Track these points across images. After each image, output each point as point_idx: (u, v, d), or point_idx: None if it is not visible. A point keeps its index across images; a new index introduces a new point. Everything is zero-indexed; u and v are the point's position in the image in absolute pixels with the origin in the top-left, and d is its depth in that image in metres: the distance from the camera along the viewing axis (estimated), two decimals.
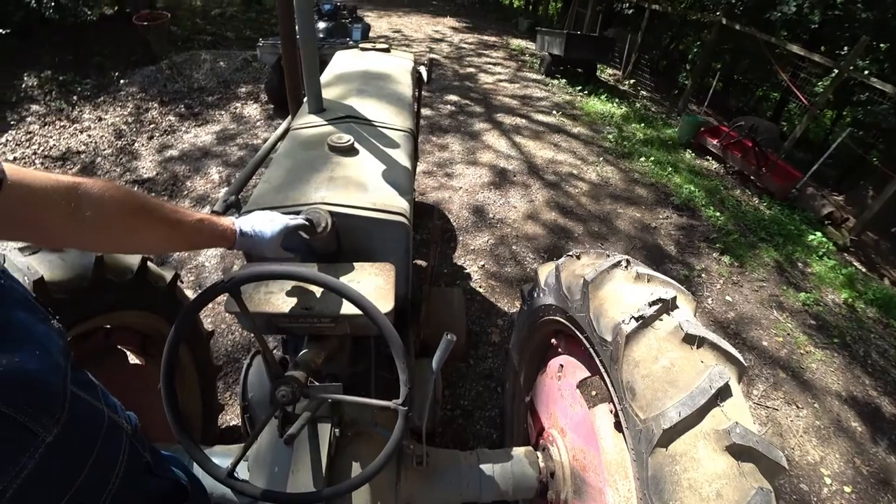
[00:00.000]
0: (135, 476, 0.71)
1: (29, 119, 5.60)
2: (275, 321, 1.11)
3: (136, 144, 5.26)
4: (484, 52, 10.42)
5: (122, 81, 6.51)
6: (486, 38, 11.91)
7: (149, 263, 1.59)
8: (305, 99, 1.81)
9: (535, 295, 1.62)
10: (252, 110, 6.10)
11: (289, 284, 1.13)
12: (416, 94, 2.54)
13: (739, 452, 0.82)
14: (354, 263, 1.20)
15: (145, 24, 7.01)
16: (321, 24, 6.10)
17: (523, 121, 6.62)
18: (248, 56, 7.27)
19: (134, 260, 1.51)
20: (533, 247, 4.04)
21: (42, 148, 5.08)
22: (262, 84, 6.40)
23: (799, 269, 4.56)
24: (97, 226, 0.74)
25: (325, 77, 2.20)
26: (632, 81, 9.78)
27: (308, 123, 1.69)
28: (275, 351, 1.38)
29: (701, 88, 9.04)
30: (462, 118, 6.46)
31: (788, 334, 3.67)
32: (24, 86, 6.11)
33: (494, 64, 9.47)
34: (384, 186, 1.36)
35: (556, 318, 1.43)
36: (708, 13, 8.53)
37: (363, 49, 2.72)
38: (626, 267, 1.20)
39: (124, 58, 7.10)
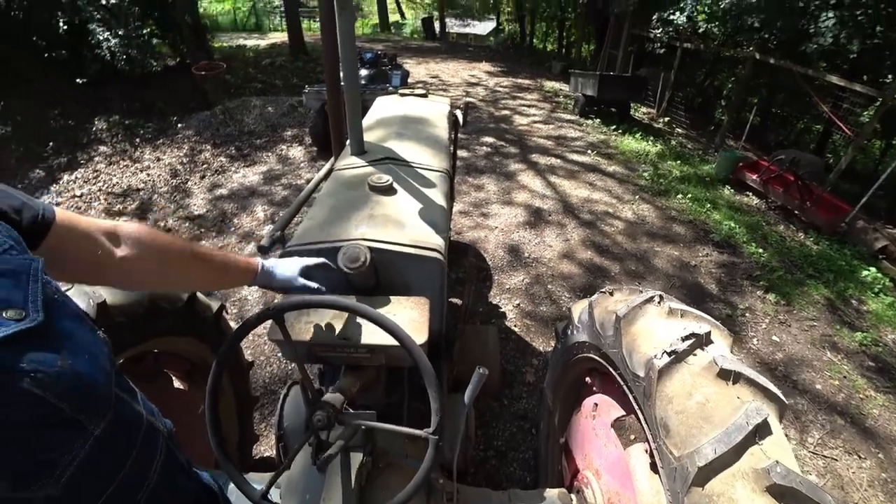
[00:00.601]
0: (171, 475, 0.78)
1: (97, 158, 6.10)
2: (315, 350, 1.17)
3: (189, 183, 5.62)
4: (518, 94, 10.69)
5: (179, 125, 7.03)
6: (520, 81, 12.23)
7: (197, 293, 1.70)
8: (348, 142, 1.92)
9: (569, 332, 1.62)
10: (297, 152, 6.43)
11: (329, 315, 1.19)
12: (453, 136, 2.65)
13: (781, 494, 0.79)
14: (391, 297, 1.26)
15: (203, 73, 7.61)
16: (363, 72, 6.44)
17: (558, 160, 6.69)
18: (294, 102, 7.73)
19: (183, 294, 1.62)
20: (569, 286, 4.01)
21: (106, 185, 5.51)
22: (307, 128, 6.75)
23: (853, 306, 4.32)
24: (131, 265, 0.85)
25: (366, 121, 2.34)
26: (666, 119, 9.77)
27: (350, 165, 1.79)
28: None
29: (738, 123, 8.93)
30: (498, 159, 6.59)
31: (845, 377, 3.45)
32: (94, 129, 6.70)
33: (529, 106, 9.68)
34: (420, 224, 1.42)
35: (590, 355, 1.42)
36: (741, 49, 8.51)
37: (402, 94, 2.86)
38: (658, 302, 1.20)
39: (183, 104, 7.69)
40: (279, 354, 3.09)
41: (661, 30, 9.38)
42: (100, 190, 5.44)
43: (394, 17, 27.12)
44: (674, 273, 4.35)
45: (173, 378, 1.82)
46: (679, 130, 9.46)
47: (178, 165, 6.03)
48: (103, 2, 7.03)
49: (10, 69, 6.68)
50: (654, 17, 9.49)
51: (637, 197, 5.73)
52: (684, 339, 1.01)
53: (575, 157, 6.92)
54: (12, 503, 0.52)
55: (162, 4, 8.57)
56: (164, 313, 1.51)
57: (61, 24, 6.88)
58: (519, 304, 3.74)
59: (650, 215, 5.34)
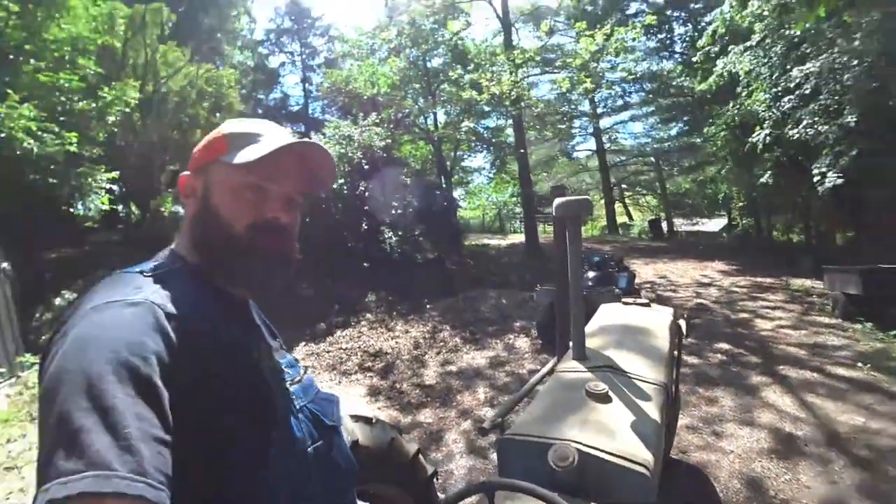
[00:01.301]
0: None
1: (363, 323, 7.81)
2: None
3: (426, 356, 6.58)
4: (759, 294, 9.64)
5: (428, 306, 8.52)
6: (760, 279, 11.09)
7: (420, 454, 2.01)
8: (571, 345, 2.17)
9: None
10: (522, 343, 6.97)
11: None
12: (676, 346, 2.66)
13: None
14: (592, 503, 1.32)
15: (454, 267, 9.30)
16: (590, 273, 6.92)
17: (816, 375, 5.56)
18: (526, 296, 8.63)
19: (412, 447, 1.95)
20: None
21: (365, 344, 6.98)
22: (535, 321, 7.36)
23: None
24: None
25: (589, 327, 2.59)
26: None
27: (571, 368, 2.02)
28: None
29: None
30: (735, 369, 5.87)
31: None
32: (366, 300, 8.67)
33: (772, 308, 8.58)
34: (631, 436, 1.50)
35: None
36: None
37: (625, 303, 3.07)
38: None
39: (434, 289, 9.38)
40: None
41: None
42: (359, 347, 6.89)
43: (621, 218, 28.65)
44: None
45: None
46: None
47: (421, 339, 7.17)
48: (392, 211, 9.66)
49: (321, 255, 9.43)
50: None
51: None
52: None
53: (840, 370, 5.63)
54: None
55: (425, 214, 11.22)
56: (393, 463, 1.83)
57: (364, 225, 9.62)
58: None
59: None
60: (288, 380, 0.87)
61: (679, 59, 19.31)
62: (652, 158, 25.13)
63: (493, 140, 14.82)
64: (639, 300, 3.13)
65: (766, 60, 9.08)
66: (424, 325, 7.79)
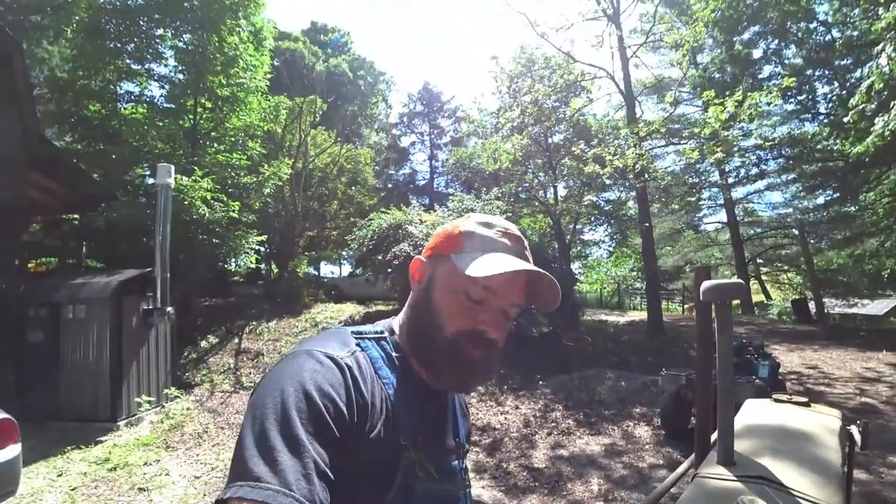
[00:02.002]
0: None
1: (472, 395, 7.59)
2: None
3: (536, 436, 6.19)
4: None
5: (541, 382, 8.13)
6: None
7: None
8: (715, 446, 1.91)
9: None
10: (643, 432, 6.29)
11: None
12: (846, 459, 2.19)
13: None
14: None
15: (570, 343, 8.87)
16: None
17: None
18: (646, 380, 7.87)
19: None
20: None
21: (474, 417, 6.71)
22: (657, 409, 6.65)
23: None
24: None
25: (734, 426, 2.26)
26: None
27: (717, 475, 1.75)
28: None
29: None
30: None
31: None
32: None
33: None
34: None
35: None
36: None
37: (777, 400, 2.65)
38: None
39: (547, 365, 8.97)
40: None
41: None
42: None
43: (757, 297, 25.42)
44: None
45: None
46: None
47: (531, 417, 6.80)
48: None
49: None
50: None
51: None
52: None
53: None
54: None
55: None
56: None
57: None
58: None
59: None
60: (441, 484, 0.82)
61: (824, 121, 17.55)
62: (794, 230, 22.34)
63: (615, 213, 14.43)
64: (795, 398, 2.68)
65: None
66: (535, 402, 7.43)
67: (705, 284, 1.83)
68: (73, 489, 4.73)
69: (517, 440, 6.07)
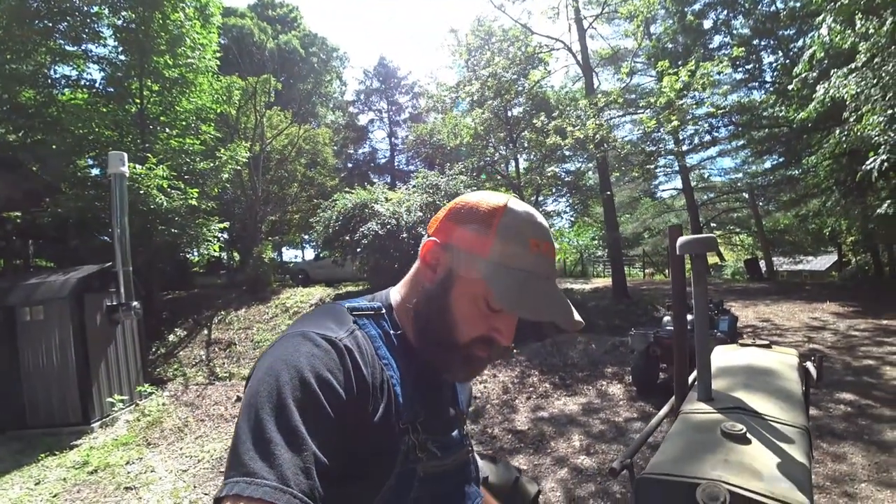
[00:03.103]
0: None
1: None
2: None
3: (516, 401, 6.41)
4: (885, 339, 8.43)
5: (515, 351, 8.36)
6: (885, 322, 9.72)
7: (539, 495, 1.96)
8: (694, 387, 2.07)
9: None
10: (616, 389, 6.62)
11: None
12: (804, 392, 2.42)
13: None
14: None
15: None
16: (689, 317, 6.49)
17: None
18: (615, 341, 8.25)
19: (533, 487, 1.92)
20: None
21: None
22: (628, 368, 6.98)
23: None
24: None
25: None
26: None
27: (698, 409, 1.91)
28: None
29: None
30: (863, 422, 5.13)
31: None
32: None
33: None
34: (780, 478, 1.38)
35: None
36: None
37: (742, 344, 2.87)
38: None
39: (520, 333, 9.12)
40: None
41: None
42: None
43: (712, 259, 26.77)
44: None
45: None
46: None
47: (510, 384, 7.02)
48: None
49: None
50: None
51: None
52: None
53: None
54: None
55: None
56: (515, 502, 1.81)
57: None
58: None
59: None
60: (438, 462, 0.79)
61: (770, 89, 18.33)
62: (745, 194, 23.43)
63: (576, 184, 14.71)
64: (758, 341, 2.91)
65: (875, 81, 8.37)
66: (512, 370, 7.65)
67: (681, 240, 1.96)
68: (54, 496, 4.59)
69: (498, 406, 6.27)
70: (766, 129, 19.04)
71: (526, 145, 13.20)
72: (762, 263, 21.63)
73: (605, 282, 16.85)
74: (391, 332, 0.80)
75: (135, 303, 6.79)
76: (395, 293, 0.86)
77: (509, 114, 13.42)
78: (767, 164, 21.78)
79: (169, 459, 5.36)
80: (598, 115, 10.97)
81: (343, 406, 0.64)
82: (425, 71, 59.11)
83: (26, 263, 10.52)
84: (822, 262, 24.71)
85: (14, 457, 5.36)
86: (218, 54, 11.62)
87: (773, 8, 17.01)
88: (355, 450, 0.66)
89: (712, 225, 27.12)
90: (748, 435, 1.63)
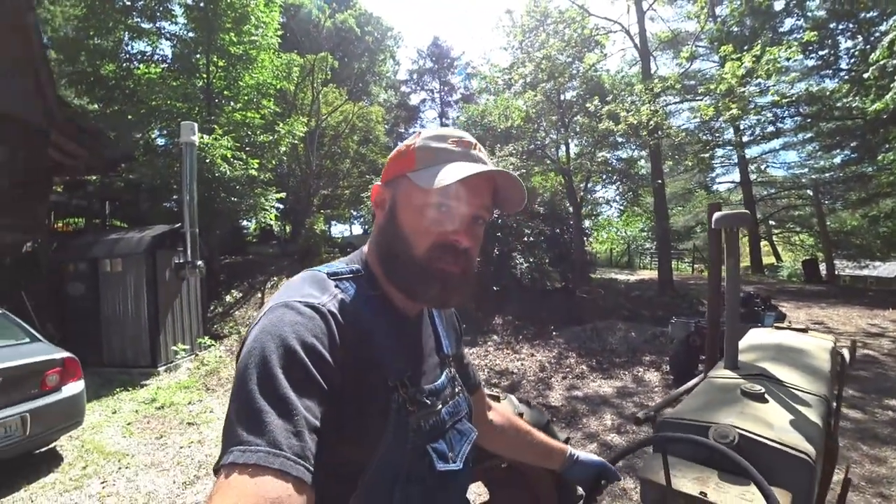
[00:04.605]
0: None
1: (489, 344, 8.02)
2: None
3: (552, 380, 6.57)
4: None
5: (554, 333, 8.49)
6: None
7: (569, 441, 2.14)
8: (722, 358, 2.17)
9: None
10: (652, 376, 6.64)
11: (713, 480, 1.29)
12: (837, 375, 2.46)
13: None
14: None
15: (583, 296, 9.16)
16: None
17: None
18: (656, 331, 8.20)
19: (563, 435, 2.10)
20: None
21: (491, 363, 7.17)
22: (667, 356, 6.97)
23: None
24: (492, 429, 1.17)
25: (739, 345, 2.52)
26: None
27: (723, 375, 2.02)
28: None
29: None
30: None
31: None
32: (492, 323, 8.88)
33: None
34: (791, 430, 1.49)
35: None
36: None
37: (778, 327, 2.90)
38: None
39: (561, 317, 9.32)
40: None
41: None
42: (486, 365, 7.11)
43: (768, 259, 25.49)
44: None
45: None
46: None
47: (547, 364, 7.17)
48: (524, 239, 9.85)
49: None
50: None
51: None
52: None
53: None
54: None
55: (555, 242, 11.20)
56: None
57: (495, 251, 9.95)
58: None
59: None
60: (430, 408, 0.82)
61: (845, 77, 17.12)
62: (809, 191, 22.09)
63: (627, 171, 14.39)
64: (794, 325, 2.93)
65: None
66: (550, 350, 7.79)
67: (716, 214, 2.06)
68: (128, 423, 5.18)
69: (534, 382, 6.45)
70: (838, 122, 17.85)
71: (578, 130, 13.01)
72: (822, 266, 20.46)
73: (651, 274, 16.52)
74: (371, 292, 0.82)
75: (199, 262, 7.36)
76: (366, 250, 0.89)
77: (562, 97, 13.23)
78: (837, 160, 20.44)
79: (225, 403, 5.86)
80: (653, 101, 10.68)
81: (331, 370, 0.66)
82: (478, 52, 58.56)
83: (103, 223, 11.46)
84: (891, 269, 23.09)
85: (95, 389, 6.02)
86: (279, 32, 12.08)
87: None
88: (347, 411, 0.68)
89: (771, 223, 25.80)
90: (766, 395, 1.74)
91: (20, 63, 7.96)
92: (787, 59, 11.45)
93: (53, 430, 3.96)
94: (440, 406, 0.84)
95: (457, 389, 0.92)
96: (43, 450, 4.29)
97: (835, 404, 2.50)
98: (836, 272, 21.57)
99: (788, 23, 17.68)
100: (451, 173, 0.74)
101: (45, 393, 3.85)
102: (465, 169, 0.75)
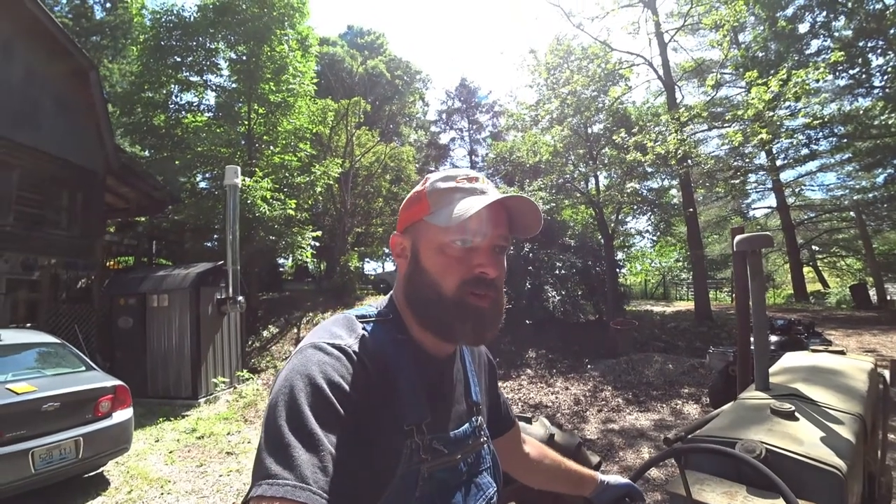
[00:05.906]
0: None
1: (523, 377, 7.95)
2: None
3: (587, 413, 6.44)
4: None
5: (589, 366, 8.35)
6: None
7: (601, 465, 2.16)
8: (753, 377, 2.17)
9: None
10: (691, 409, 6.43)
11: (741, 495, 1.34)
12: (877, 396, 2.39)
13: None
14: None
15: (617, 328, 9.03)
16: (773, 338, 6.19)
17: None
18: (695, 363, 7.97)
19: (594, 458, 2.12)
20: None
21: (525, 396, 7.09)
22: (705, 388, 6.75)
23: None
24: (527, 461, 1.20)
25: (772, 369, 2.50)
26: None
27: (753, 396, 2.03)
28: None
29: None
30: None
31: None
32: (526, 357, 8.81)
33: None
34: (822, 445, 1.49)
35: None
36: None
37: (814, 350, 2.85)
38: None
39: (595, 350, 9.18)
40: None
41: None
42: (519, 399, 7.01)
43: (814, 286, 24.28)
44: None
45: None
46: None
47: (581, 397, 7.05)
48: (556, 272, 9.84)
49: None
50: None
51: None
52: None
53: None
54: None
55: (587, 275, 11.12)
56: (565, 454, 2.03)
57: (527, 284, 9.96)
58: None
59: None
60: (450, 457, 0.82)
61: (879, 95, 16.71)
62: (851, 213, 21.15)
63: (657, 201, 14.26)
64: (831, 348, 2.88)
65: None
66: (584, 384, 7.65)
67: (738, 237, 2.12)
68: (170, 452, 5.37)
69: (569, 416, 6.34)
70: (876, 140, 17.32)
71: (606, 162, 13.08)
72: (872, 291, 19.40)
73: (687, 305, 16.06)
74: (399, 335, 0.83)
75: (240, 298, 7.68)
76: (393, 297, 0.90)
77: (589, 130, 13.39)
78: (880, 179, 19.69)
79: None
80: (680, 130, 10.69)
81: (354, 406, 0.68)
82: (504, 90, 60.02)
83: (150, 261, 12.12)
84: None
85: (139, 419, 6.27)
86: (314, 80, 12.83)
87: (879, 5, 15.59)
88: (364, 450, 0.69)
89: (814, 248, 24.80)
90: (796, 413, 1.74)
91: (83, 116, 8.75)
92: (816, 81, 11.33)
93: (103, 455, 4.17)
94: (458, 456, 0.83)
95: (482, 440, 0.90)
96: (91, 474, 4.49)
97: (880, 431, 2.43)
98: (888, 297, 20.37)
99: (815, 44, 17.55)
100: (466, 207, 0.77)
101: (98, 418, 4.09)
102: (479, 201, 0.77)
